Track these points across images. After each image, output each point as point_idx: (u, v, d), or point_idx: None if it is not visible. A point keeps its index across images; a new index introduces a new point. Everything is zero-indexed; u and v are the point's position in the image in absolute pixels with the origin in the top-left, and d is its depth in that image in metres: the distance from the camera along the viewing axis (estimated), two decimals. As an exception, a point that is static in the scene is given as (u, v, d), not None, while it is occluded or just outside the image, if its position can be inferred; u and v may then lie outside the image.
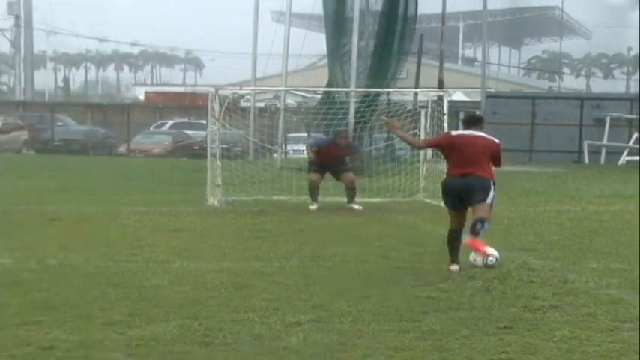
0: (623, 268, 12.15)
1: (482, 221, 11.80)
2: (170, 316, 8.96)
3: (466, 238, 11.94)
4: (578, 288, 10.74)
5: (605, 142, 45.94)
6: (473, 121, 12.50)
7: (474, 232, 11.84)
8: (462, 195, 11.90)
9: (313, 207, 19.88)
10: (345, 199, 20.34)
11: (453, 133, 12.80)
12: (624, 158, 45.36)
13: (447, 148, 12.31)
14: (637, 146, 45.57)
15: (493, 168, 12.16)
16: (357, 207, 20.08)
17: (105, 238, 14.53)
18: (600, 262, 12.72)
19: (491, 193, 11.93)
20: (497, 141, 12.33)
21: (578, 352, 7.87)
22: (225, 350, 7.84)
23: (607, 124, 46.35)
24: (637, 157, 44.63)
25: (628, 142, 46.13)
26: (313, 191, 20.16)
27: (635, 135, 46.07)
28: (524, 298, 10.06)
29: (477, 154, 12.01)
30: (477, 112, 13.05)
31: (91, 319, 8.81)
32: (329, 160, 20.06)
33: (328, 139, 21.62)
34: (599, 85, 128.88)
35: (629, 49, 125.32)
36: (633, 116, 46.84)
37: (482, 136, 12.26)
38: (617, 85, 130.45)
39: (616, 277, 11.48)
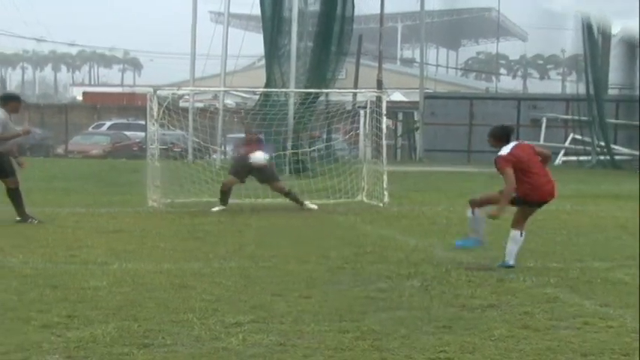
0: (559, 267, 12.35)
1: None
2: (109, 317, 8.92)
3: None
4: (515, 287, 10.87)
5: (542, 142, 46.42)
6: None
7: None
8: None
9: (216, 209, 19.28)
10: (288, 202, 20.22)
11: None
12: (561, 158, 45.88)
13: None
14: (573, 146, 46.15)
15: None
16: (312, 206, 19.97)
17: (43, 240, 14.37)
18: (537, 262, 12.89)
19: None
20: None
21: (515, 351, 7.95)
22: (165, 352, 7.81)
23: (544, 125, 46.88)
24: (573, 158, 45.25)
25: (564, 143, 46.68)
26: (224, 193, 19.66)
27: (571, 135, 46.65)
28: (463, 298, 10.15)
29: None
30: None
31: (29, 321, 8.72)
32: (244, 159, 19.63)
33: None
34: (536, 86, 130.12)
35: (563, 50, 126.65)
36: (569, 117, 47.43)
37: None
38: (553, 85, 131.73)
39: (553, 276, 11.64)
